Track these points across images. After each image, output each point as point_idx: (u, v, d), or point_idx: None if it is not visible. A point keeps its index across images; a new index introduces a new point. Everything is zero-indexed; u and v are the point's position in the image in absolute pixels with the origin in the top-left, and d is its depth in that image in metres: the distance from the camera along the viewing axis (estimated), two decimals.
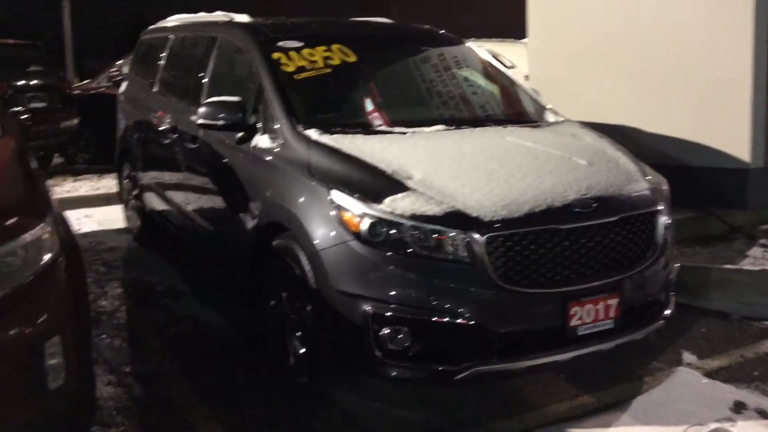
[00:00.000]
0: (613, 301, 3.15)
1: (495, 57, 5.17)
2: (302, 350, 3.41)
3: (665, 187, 3.68)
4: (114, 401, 3.39)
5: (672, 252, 3.56)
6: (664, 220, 3.46)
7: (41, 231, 2.59)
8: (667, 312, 3.52)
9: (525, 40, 7.43)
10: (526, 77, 6.94)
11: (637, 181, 3.53)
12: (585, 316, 3.09)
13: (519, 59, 8.77)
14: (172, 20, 5.87)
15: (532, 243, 3.04)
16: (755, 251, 5.06)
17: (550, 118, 4.32)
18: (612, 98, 6.20)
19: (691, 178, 5.62)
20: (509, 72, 4.85)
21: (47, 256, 2.57)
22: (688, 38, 5.72)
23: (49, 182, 8.41)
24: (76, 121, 9.66)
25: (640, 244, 3.33)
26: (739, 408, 3.24)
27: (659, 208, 3.45)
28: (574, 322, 3.07)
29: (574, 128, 4.13)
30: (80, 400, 2.70)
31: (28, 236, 2.54)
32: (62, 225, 2.88)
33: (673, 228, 3.60)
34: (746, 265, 4.77)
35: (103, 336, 4.16)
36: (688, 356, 3.79)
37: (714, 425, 3.08)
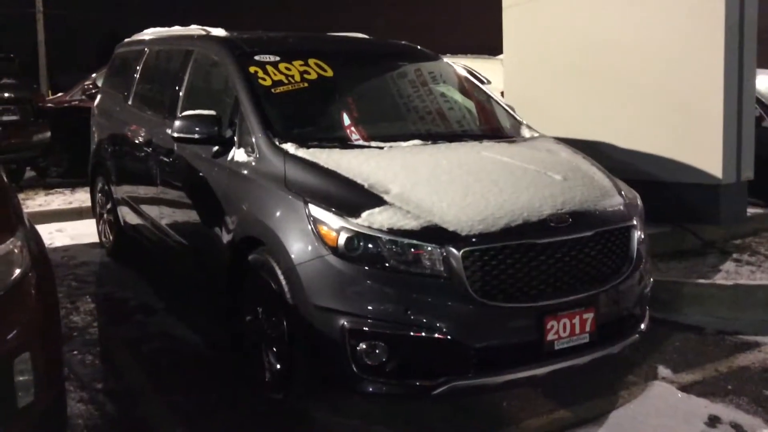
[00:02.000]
0: (589, 316, 3.16)
1: (471, 73, 5.22)
2: (278, 366, 3.37)
3: (639, 202, 3.72)
4: (85, 419, 3.32)
5: (647, 267, 3.59)
6: (638, 234, 3.49)
7: (11, 245, 2.55)
8: (642, 326, 3.55)
9: (501, 56, 7.50)
10: (502, 93, 7.00)
11: (612, 196, 3.56)
12: (561, 330, 3.09)
13: (495, 75, 8.84)
14: (148, 33, 5.84)
15: (509, 257, 3.05)
16: (728, 266, 5.12)
17: (526, 133, 4.36)
18: (587, 114, 6.28)
19: (665, 194, 5.70)
20: (485, 87, 4.89)
21: (17, 271, 2.52)
22: (662, 56, 5.82)
23: (21, 196, 8.29)
24: (48, 134, 9.55)
25: (615, 258, 3.35)
26: (713, 422, 3.26)
27: (633, 223, 3.48)
28: (550, 337, 3.08)
29: (549, 144, 4.17)
30: (51, 418, 2.65)
31: None
32: (33, 240, 2.83)
33: (647, 243, 3.64)
34: (720, 279, 4.83)
35: (75, 352, 4.08)
36: (663, 370, 3.82)
37: None
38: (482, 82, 7.56)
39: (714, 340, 4.25)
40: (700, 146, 5.70)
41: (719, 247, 5.54)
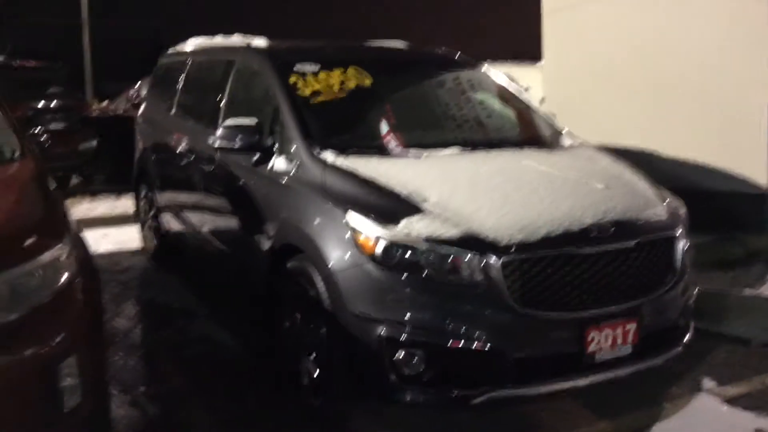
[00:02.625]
0: (632, 326, 3.12)
1: (510, 80, 5.19)
2: (316, 373, 3.39)
3: (683, 211, 3.65)
4: (128, 421, 3.38)
5: (691, 277, 3.52)
6: (682, 244, 3.43)
7: (59, 252, 2.62)
8: (687, 338, 3.48)
9: (541, 63, 7.45)
10: (542, 100, 6.94)
11: (655, 205, 3.50)
12: (603, 341, 3.05)
13: (535, 82, 8.79)
14: (190, 44, 5.94)
15: (549, 267, 3.02)
16: None
17: (566, 141, 4.31)
18: (628, 122, 6.20)
19: (709, 203, 5.59)
20: (525, 95, 4.86)
21: (64, 277, 2.59)
22: (705, 62, 5.72)
23: (67, 202, 8.49)
24: (94, 143, 9.75)
25: (659, 268, 3.29)
26: None
27: (677, 232, 3.42)
28: (591, 348, 3.04)
29: (590, 152, 4.12)
30: (95, 421, 2.71)
31: (46, 256, 2.56)
32: (80, 246, 2.90)
33: (691, 253, 3.57)
34: (765, 290, 4.71)
35: (118, 356, 4.16)
36: (707, 383, 3.73)
37: None
38: (522, 90, 7.52)
39: (760, 352, 4.14)
40: (745, 154, 5.59)
41: (764, 257, 5.40)
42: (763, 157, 5.52)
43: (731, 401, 3.51)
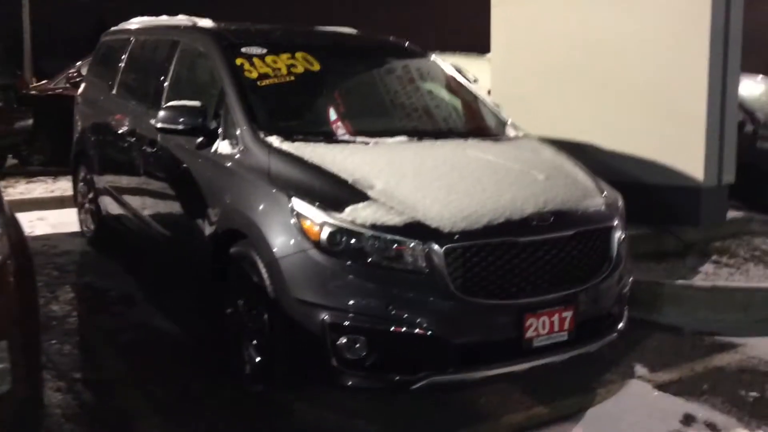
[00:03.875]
0: (568, 314, 3.20)
1: (459, 71, 5.22)
2: (258, 359, 3.37)
3: (620, 203, 3.76)
4: (63, 408, 3.30)
5: (626, 267, 3.62)
6: (618, 235, 3.53)
7: None
8: (621, 325, 3.59)
9: (488, 55, 7.52)
10: (489, 92, 7.02)
11: (594, 196, 3.59)
12: (540, 327, 3.13)
13: (483, 74, 8.87)
14: (134, 22, 5.79)
15: (490, 255, 3.07)
16: (707, 267, 5.18)
17: (511, 132, 4.38)
18: (571, 115, 6.32)
19: (647, 196, 5.75)
20: (472, 86, 4.91)
21: None
22: (648, 59, 5.86)
23: (2, 183, 8.21)
24: (30, 121, 9.44)
25: (595, 258, 3.38)
26: (689, 420, 3.31)
27: (614, 223, 3.52)
28: (529, 334, 3.11)
29: (533, 143, 4.20)
30: (28, 407, 2.63)
31: None
32: (12, 227, 2.80)
33: (627, 243, 3.67)
34: (698, 281, 4.89)
35: (54, 341, 4.05)
36: (640, 369, 3.86)
37: None
38: (469, 81, 7.57)
39: (691, 340, 4.31)
40: (683, 149, 5.77)
41: (699, 249, 5.60)
42: (700, 153, 5.70)
43: (662, 387, 3.64)
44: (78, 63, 10.45)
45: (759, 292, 4.68)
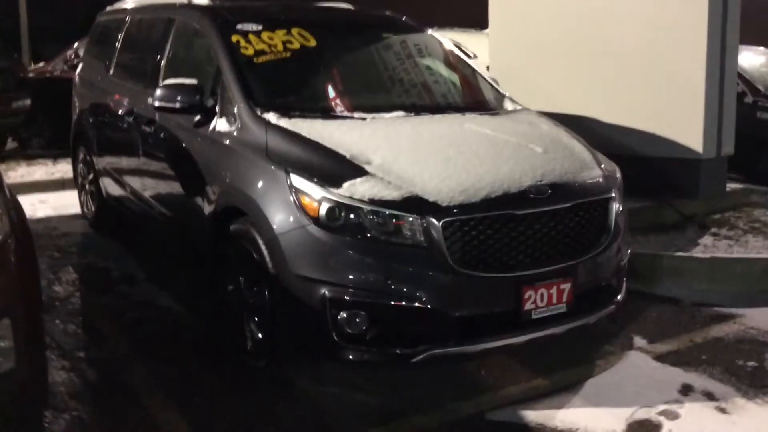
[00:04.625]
0: (566, 286, 3.21)
1: (457, 46, 5.20)
2: (260, 335, 3.40)
3: (618, 175, 3.76)
4: (67, 386, 3.34)
5: (624, 239, 3.64)
6: (616, 207, 3.54)
7: None
8: (619, 297, 3.61)
9: (487, 30, 7.47)
10: (488, 67, 6.98)
11: (591, 168, 3.59)
12: (539, 300, 3.14)
13: (481, 49, 8.82)
14: (129, 1, 5.76)
15: (488, 228, 3.08)
16: (706, 239, 5.20)
17: (509, 106, 4.37)
18: (569, 88, 6.29)
19: (646, 168, 5.75)
20: (470, 61, 4.88)
21: None
22: (645, 30, 5.83)
23: (3, 166, 8.22)
24: (28, 102, 9.43)
25: (593, 230, 3.40)
26: (686, 390, 3.34)
27: (612, 195, 3.52)
28: (528, 306, 3.13)
29: (531, 117, 4.19)
30: (31, 385, 2.66)
31: None
32: (13, 208, 2.82)
33: (625, 215, 3.68)
34: (697, 252, 4.90)
35: (57, 321, 4.09)
36: (639, 341, 3.89)
37: (662, 407, 3.17)
38: (468, 56, 7.53)
39: (690, 311, 4.33)
40: (682, 121, 5.75)
41: (698, 222, 5.61)
42: (699, 124, 5.68)
43: (660, 358, 3.67)
44: (75, 44, 10.41)
45: (758, 263, 4.69)
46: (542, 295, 3.15)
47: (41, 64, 12.09)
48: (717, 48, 5.67)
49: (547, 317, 3.19)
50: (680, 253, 4.84)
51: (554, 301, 3.19)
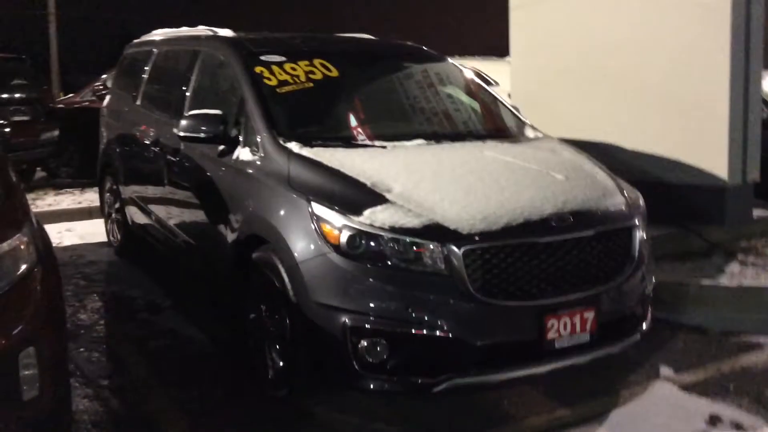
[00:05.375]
0: (590, 315, 3.18)
1: (478, 74, 5.24)
2: (281, 363, 3.41)
3: (641, 202, 3.73)
4: (91, 414, 3.36)
5: (649, 267, 3.59)
6: (640, 234, 3.50)
7: (18, 241, 2.59)
8: (644, 326, 3.56)
9: (508, 58, 7.51)
10: (509, 95, 7.01)
11: (614, 196, 3.57)
12: (562, 329, 3.11)
13: (502, 77, 8.86)
14: (156, 34, 5.89)
15: (510, 256, 3.07)
16: (733, 267, 5.11)
17: (530, 134, 4.37)
18: (592, 115, 6.28)
19: (671, 195, 5.70)
20: (491, 89, 4.91)
21: (23, 267, 2.57)
22: (667, 57, 5.81)
23: (31, 196, 8.38)
24: (56, 133, 9.65)
25: (617, 258, 3.36)
26: (714, 421, 3.27)
27: (635, 222, 3.49)
28: (551, 335, 3.10)
29: (552, 144, 4.18)
30: (56, 412, 2.69)
31: (4, 246, 2.54)
32: (39, 237, 2.87)
33: (649, 243, 3.64)
34: (724, 280, 4.81)
35: (82, 349, 4.13)
36: (665, 370, 3.82)
37: None
38: (489, 84, 7.56)
39: (717, 340, 4.25)
40: (706, 148, 5.69)
41: (724, 249, 5.52)
42: (723, 151, 5.62)
43: (687, 388, 3.60)
44: (103, 76, 10.63)
45: None
46: (565, 323, 3.12)
47: (71, 95, 12.36)
48: (741, 74, 5.63)
49: (571, 347, 3.16)
50: (707, 281, 4.77)
51: (578, 330, 3.15)
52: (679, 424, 3.23)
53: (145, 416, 3.39)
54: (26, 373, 2.46)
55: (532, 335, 3.09)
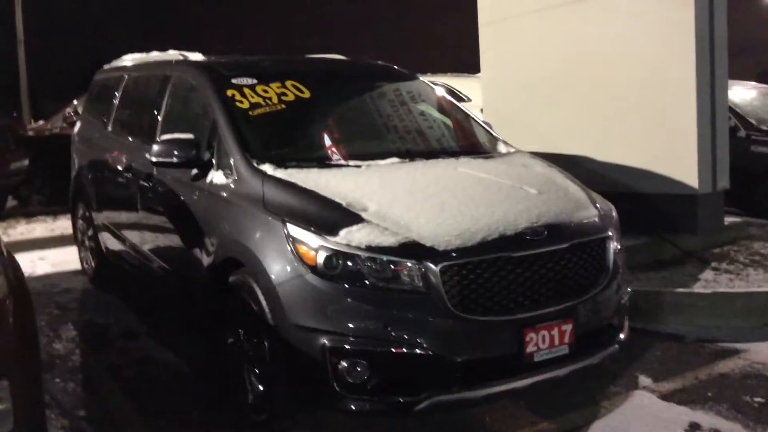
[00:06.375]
0: (568, 327, 3.19)
1: (450, 91, 5.29)
2: (260, 387, 3.37)
3: (614, 213, 3.77)
4: None
5: (624, 277, 3.63)
6: (614, 245, 3.54)
7: None
8: (622, 336, 3.58)
9: (479, 74, 7.59)
10: (481, 110, 7.07)
11: (587, 208, 3.61)
12: (540, 342, 3.12)
13: (474, 93, 8.95)
14: (126, 59, 5.87)
15: (486, 271, 3.08)
16: (707, 274, 5.18)
17: (502, 149, 4.41)
18: (563, 128, 6.36)
19: (643, 205, 5.77)
20: (463, 105, 4.95)
21: None
22: (634, 69, 5.92)
23: (3, 225, 8.25)
24: (26, 162, 9.54)
25: (592, 269, 3.39)
26: (694, 429, 3.29)
27: (609, 234, 3.53)
28: (530, 349, 3.10)
29: (525, 158, 4.22)
30: None
31: None
32: (11, 266, 2.82)
33: (623, 253, 3.68)
34: (698, 288, 4.88)
35: (57, 379, 4.05)
36: (643, 379, 3.85)
37: None
38: (461, 100, 7.63)
39: (694, 348, 4.30)
40: (676, 157, 5.79)
41: (698, 257, 5.60)
42: (693, 160, 5.72)
43: (666, 396, 3.63)
44: (74, 102, 10.56)
45: (760, 296, 4.68)
46: (544, 337, 3.13)
47: (41, 122, 12.24)
48: (706, 84, 5.74)
49: (550, 359, 3.17)
50: (681, 289, 4.83)
51: (556, 342, 3.16)
52: None
53: None
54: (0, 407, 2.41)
55: (512, 349, 3.09)
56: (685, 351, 4.25)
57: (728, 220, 6.37)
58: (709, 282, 5.01)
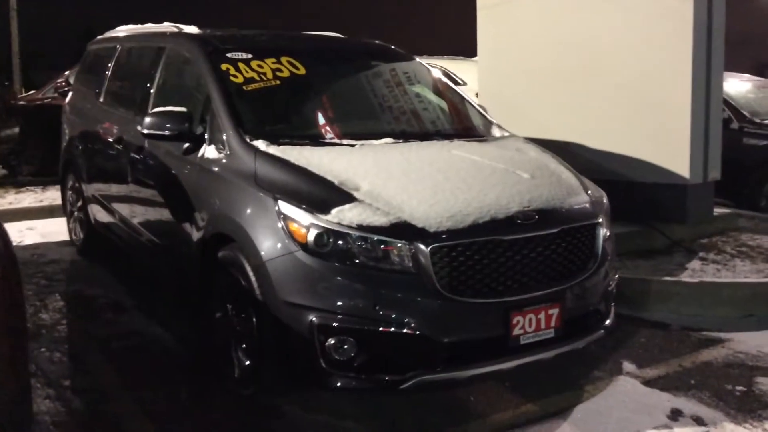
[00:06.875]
0: (554, 311, 3.22)
1: (446, 74, 5.27)
2: (248, 362, 3.38)
3: (605, 200, 3.78)
4: (52, 416, 3.30)
5: (612, 263, 3.65)
6: (603, 232, 3.55)
7: None
8: (608, 322, 3.61)
9: (476, 58, 7.56)
10: (477, 94, 7.05)
11: (578, 194, 3.62)
12: (527, 325, 3.14)
13: (471, 77, 8.92)
14: (120, 30, 5.80)
15: (476, 254, 3.09)
16: (694, 264, 5.22)
17: (497, 133, 4.41)
18: (557, 115, 6.36)
19: (634, 193, 5.80)
20: (459, 88, 4.93)
21: None
22: (630, 57, 5.91)
23: None
24: (16, 129, 9.45)
25: (581, 255, 3.41)
26: (675, 415, 3.33)
27: (599, 220, 3.54)
28: (516, 332, 3.13)
29: (518, 143, 4.22)
30: (16, 414, 2.63)
31: None
32: None
33: (613, 240, 3.70)
34: (685, 277, 4.92)
35: (43, 349, 4.05)
36: (628, 365, 3.88)
37: None
38: (457, 84, 7.60)
39: (679, 336, 4.34)
40: (668, 147, 5.81)
41: (686, 246, 5.64)
42: (685, 150, 5.74)
43: (649, 383, 3.67)
44: (66, 72, 10.44)
45: (746, 287, 4.72)
46: (530, 320, 3.15)
47: (32, 92, 12.12)
48: (702, 74, 5.75)
49: (536, 342, 3.19)
50: (668, 278, 4.86)
51: (542, 326, 3.19)
52: (642, 418, 3.28)
53: (109, 417, 3.34)
54: None
55: (498, 332, 3.11)
56: (669, 339, 4.29)
57: (718, 211, 6.41)
58: (696, 271, 5.05)
